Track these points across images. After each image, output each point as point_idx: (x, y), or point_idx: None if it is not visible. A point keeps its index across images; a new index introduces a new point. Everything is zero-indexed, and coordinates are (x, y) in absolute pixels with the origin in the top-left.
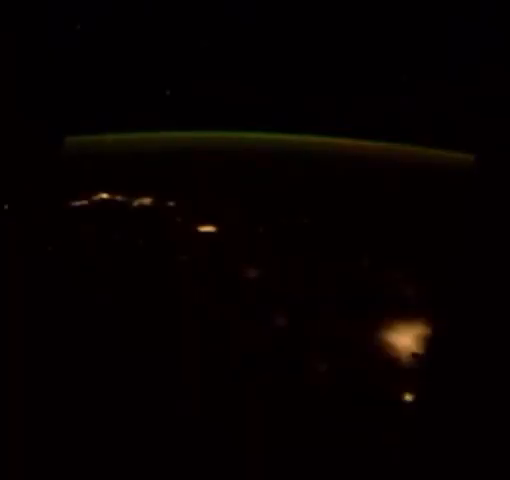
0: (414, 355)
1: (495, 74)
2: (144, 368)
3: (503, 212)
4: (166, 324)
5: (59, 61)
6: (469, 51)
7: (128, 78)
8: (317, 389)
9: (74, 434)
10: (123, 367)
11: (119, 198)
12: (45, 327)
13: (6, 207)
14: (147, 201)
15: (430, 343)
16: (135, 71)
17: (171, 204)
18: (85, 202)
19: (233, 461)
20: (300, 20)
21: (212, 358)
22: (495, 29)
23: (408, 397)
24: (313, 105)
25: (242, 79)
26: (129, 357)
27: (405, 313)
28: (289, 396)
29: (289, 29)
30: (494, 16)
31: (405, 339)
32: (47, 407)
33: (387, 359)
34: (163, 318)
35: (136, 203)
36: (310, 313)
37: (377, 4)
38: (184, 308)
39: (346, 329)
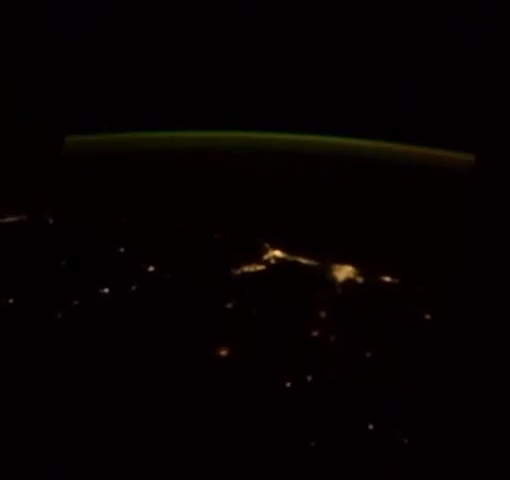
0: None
1: (495, 74)
2: None
3: (503, 212)
4: None
5: (59, 61)
6: (469, 51)
7: (128, 78)
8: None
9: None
10: None
11: (303, 261)
12: None
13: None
14: (349, 271)
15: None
16: (135, 71)
17: (392, 281)
18: (260, 267)
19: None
20: (300, 20)
21: None
22: (495, 29)
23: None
24: (313, 105)
25: (242, 79)
26: None
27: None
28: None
29: (289, 29)
30: (494, 16)
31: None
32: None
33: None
34: None
35: (338, 276)
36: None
37: (377, 4)
38: None
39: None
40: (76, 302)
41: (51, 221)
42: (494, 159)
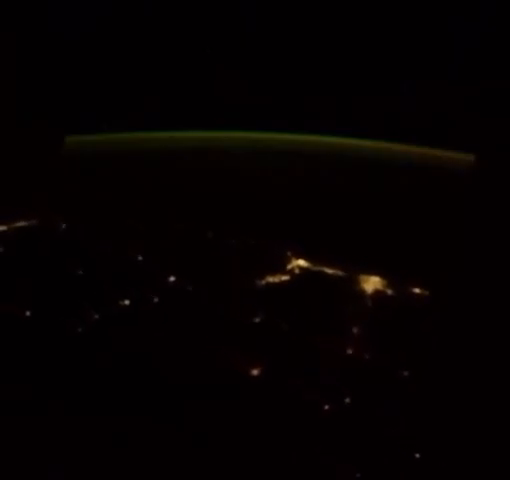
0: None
1: (495, 74)
2: None
3: (503, 212)
4: None
5: (59, 61)
6: (469, 51)
7: (128, 78)
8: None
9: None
10: None
11: (329, 271)
12: None
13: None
14: (376, 282)
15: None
16: (135, 71)
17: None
18: (284, 277)
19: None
20: (300, 20)
21: None
22: (495, 29)
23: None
24: (313, 105)
25: (242, 79)
26: None
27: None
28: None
29: (289, 29)
30: (494, 16)
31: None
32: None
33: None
34: None
35: (367, 287)
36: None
37: (377, 4)
38: None
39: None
40: (92, 311)
41: (63, 226)
42: (494, 159)
